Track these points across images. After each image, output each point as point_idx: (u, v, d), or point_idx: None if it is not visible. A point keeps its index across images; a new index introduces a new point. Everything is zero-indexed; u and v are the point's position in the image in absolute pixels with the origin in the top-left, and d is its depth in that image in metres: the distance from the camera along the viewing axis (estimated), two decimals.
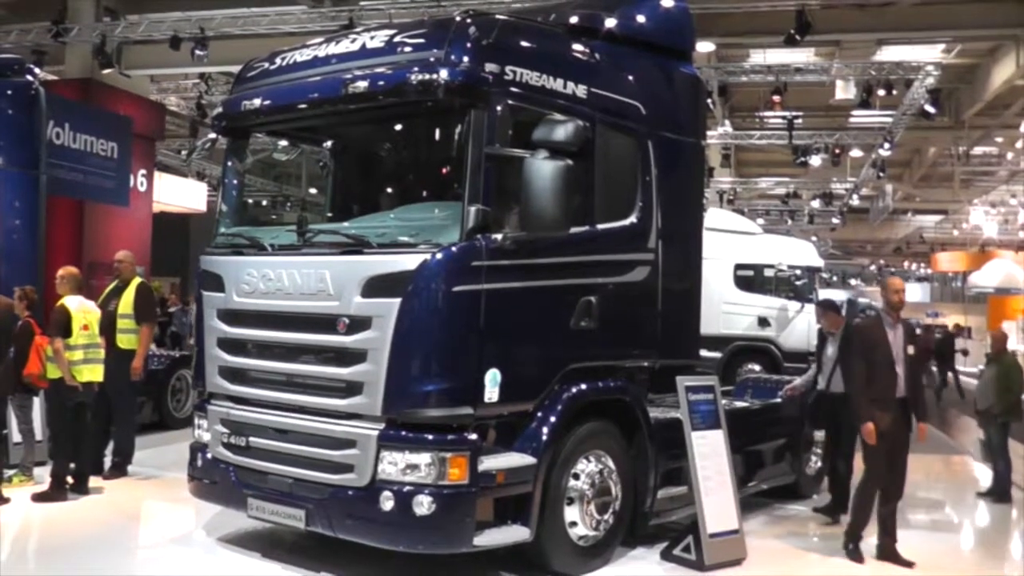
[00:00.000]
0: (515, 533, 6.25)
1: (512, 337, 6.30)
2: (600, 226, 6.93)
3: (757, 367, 16.98)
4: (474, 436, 6.03)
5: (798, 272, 17.82)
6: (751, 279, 17.89)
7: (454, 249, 5.96)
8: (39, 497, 8.47)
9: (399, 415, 5.98)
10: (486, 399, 6.06)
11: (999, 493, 10.73)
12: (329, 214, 7.77)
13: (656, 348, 7.65)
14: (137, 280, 9.94)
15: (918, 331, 8.85)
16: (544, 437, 6.42)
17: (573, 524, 6.69)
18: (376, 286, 6.02)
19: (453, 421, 5.99)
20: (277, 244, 6.80)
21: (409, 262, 5.93)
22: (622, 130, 7.23)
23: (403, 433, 5.97)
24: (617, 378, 7.20)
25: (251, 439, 6.63)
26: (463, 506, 5.94)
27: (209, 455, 6.95)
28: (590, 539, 6.81)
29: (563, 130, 6.22)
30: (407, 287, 5.91)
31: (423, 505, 5.83)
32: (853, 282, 62.80)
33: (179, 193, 22.31)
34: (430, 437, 5.93)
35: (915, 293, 57.36)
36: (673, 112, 7.95)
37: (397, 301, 5.91)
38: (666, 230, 7.54)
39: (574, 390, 6.68)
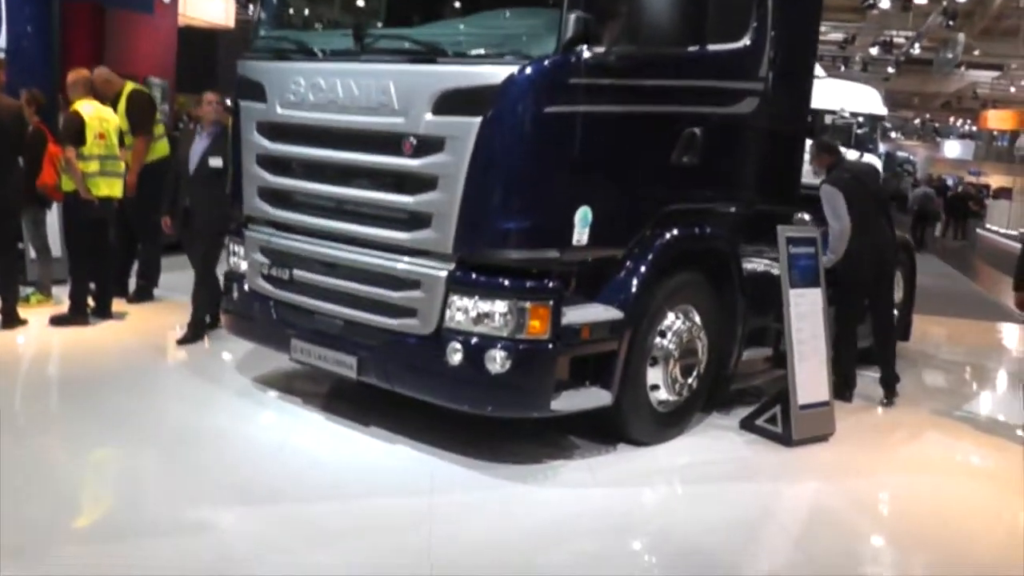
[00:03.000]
0: (596, 397, 5.48)
1: (609, 170, 5.36)
2: (711, 47, 5.86)
3: (807, 216, 16.02)
4: (558, 283, 5.16)
5: (860, 120, 16.61)
6: (811, 125, 16.67)
7: (548, 62, 4.94)
8: (57, 320, 7.75)
9: (474, 255, 5.10)
10: (574, 241, 5.18)
11: None
12: (383, 21, 6.63)
13: (756, 192, 6.70)
14: (129, 86, 8.87)
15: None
16: (634, 288, 5.58)
17: (655, 387, 5.93)
18: (452, 102, 5.03)
19: (536, 265, 5.11)
20: (330, 49, 5.76)
21: (494, 75, 4.92)
22: None
23: (477, 276, 5.11)
24: (714, 224, 6.29)
25: (295, 272, 5.79)
26: (543, 364, 5.14)
27: (246, 287, 6.13)
28: (670, 404, 6.06)
29: None
30: (491, 104, 4.92)
31: (496, 361, 5.02)
32: (893, 135, 60.77)
33: (205, 6, 20.82)
34: (507, 282, 5.07)
35: (955, 150, 55.59)
36: None
37: (477, 120, 4.94)
38: (779, 59, 6.45)
39: (668, 236, 5.79)
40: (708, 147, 5.94)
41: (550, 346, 5.12)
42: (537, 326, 5.04)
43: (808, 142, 8.23)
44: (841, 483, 5.92)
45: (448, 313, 5.14)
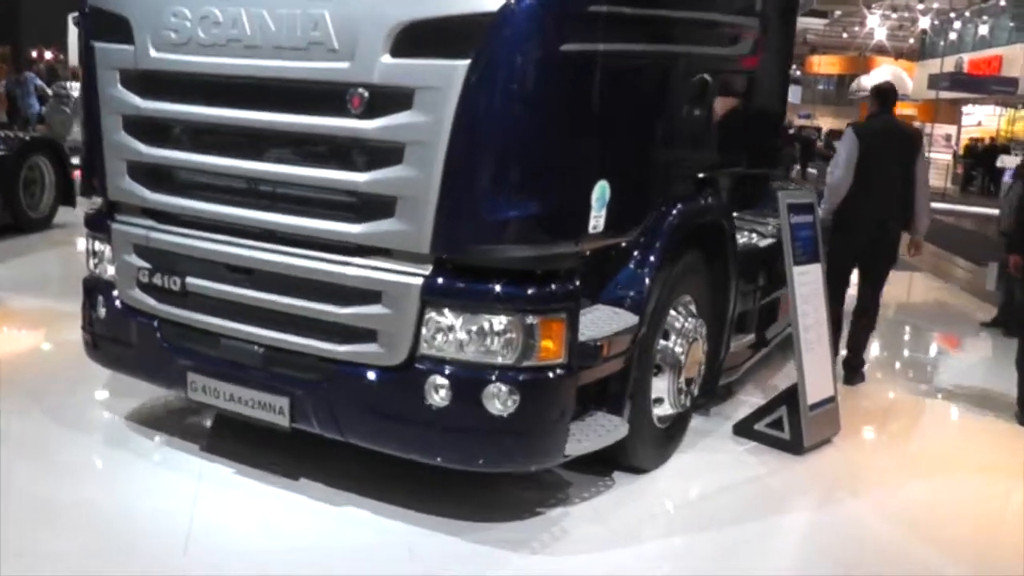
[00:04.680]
0: (612, 429, 4.21)
1: (628, 130, 4.05)
2: None
3: None
4: (571, 286, 3.82)
5: None
6: None
7: None
8: None
9: (462, 254, 3.68)
10: (591, 228, 3.83)
11: (1013, 324, 9.44)
12: None
13: (748, 151, 5.56)
14: None
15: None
16: (647, 282, 4.32)
17: (659, 401, 4.72)
18: (422, 39, 3.55)
19: (546, 265, 3.75)
20: None
21: None
22: None
23: (462, 283, 3.69)
24: (713, 193, 5.10)
25: (190, 280, 4.20)
26: (560, 398, 3.81)
27: (117, 301, 4.48)
28: (668, 419, 4.89)
29: None
30: (483, 41, 3.48)
31: (499, 399, 3.66)
32: None
33: None
34: (507, 289, 3.68)
35: None
36: None
37: (463, 64, 3.48)
38: None
39: (676, 212, 4.55)
40: (713, 97, 4.74)
41: (567, 373, 3.79)
42: (551, 347, 3.70)
43: None
44: (878, 500, 4.96)
45: (424, 335, 3.72)
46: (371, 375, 3.80)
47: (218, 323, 4.14)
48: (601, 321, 4.08)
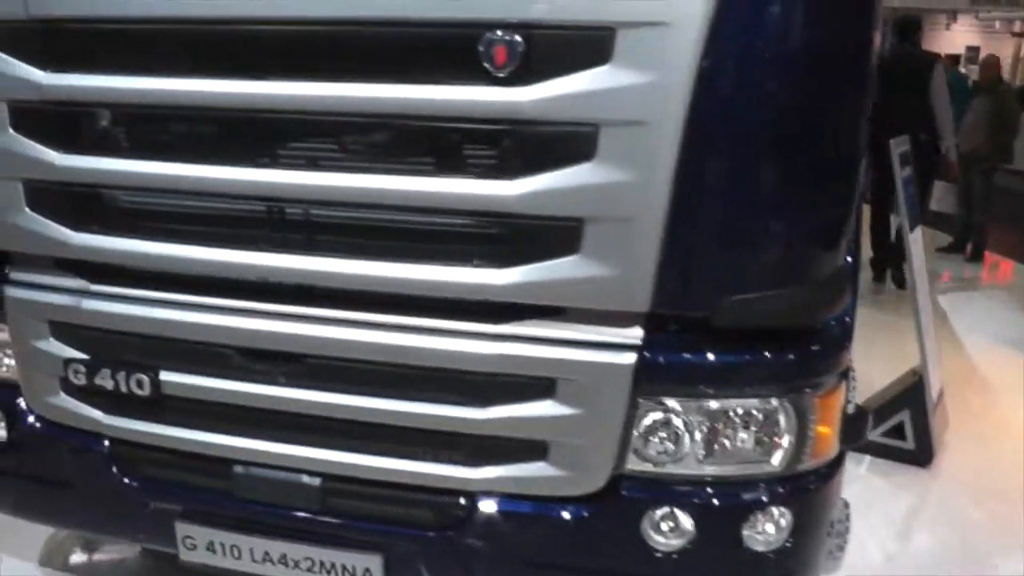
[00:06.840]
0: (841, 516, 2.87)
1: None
2: None
3: None
4: (838, 335, 2.41)
5: None
6: None
7: None
8: None
9: (721, 312, 2.12)
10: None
11: (975, 251, 8.88)
12: None
13: None
14: None
15: None
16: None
17: None
18: None
19: (823, 310, 2.30)
20: None
21: None
22: None
23: (702, 356, 2.18)
24: None
25: (167, 377, 2.46)
26: (832, 505, 2.44)
27: (30, 416, 2.66)
28: None
29: None
30: None
31: (766, 529, 2.24)
32: None
33: None
34: (772, 357, 2.21)
35: None
36: None
37: None
38: None
39: None
40: None
41: (839, 467, 2.41)
42: (827, 435, 2.31)
43: None
44: None
45: (635, 442, 2.21)
46: (540, 512, 2.27)
47: (231, 443, 2.45)
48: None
